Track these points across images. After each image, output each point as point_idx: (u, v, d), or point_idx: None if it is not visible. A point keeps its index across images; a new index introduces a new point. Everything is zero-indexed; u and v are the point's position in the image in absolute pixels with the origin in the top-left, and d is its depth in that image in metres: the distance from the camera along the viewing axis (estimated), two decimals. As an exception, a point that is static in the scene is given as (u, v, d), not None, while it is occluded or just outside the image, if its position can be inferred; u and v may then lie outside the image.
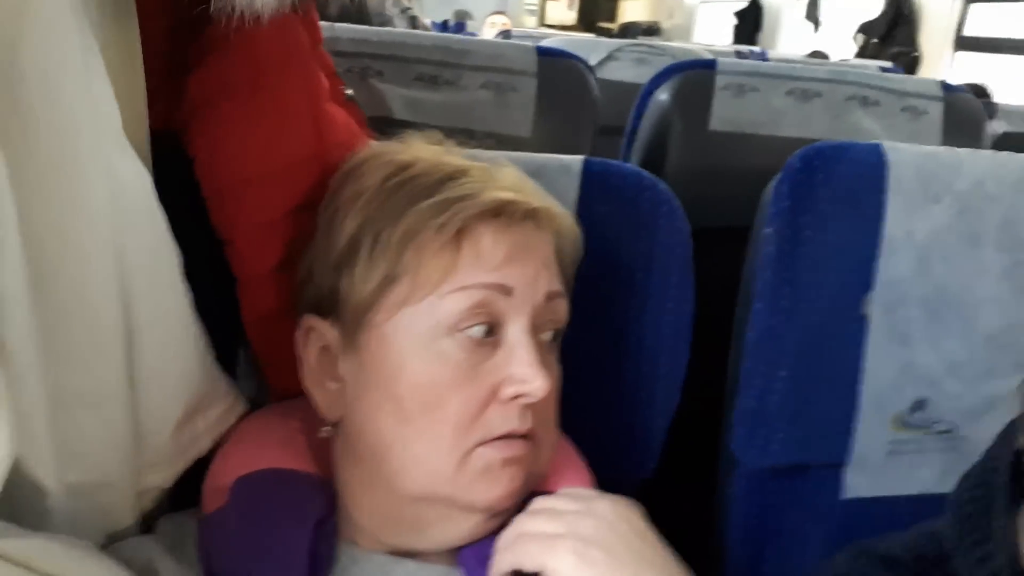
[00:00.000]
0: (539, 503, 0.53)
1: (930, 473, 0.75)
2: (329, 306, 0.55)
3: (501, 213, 0.54)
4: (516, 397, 0.52)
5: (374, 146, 0.61)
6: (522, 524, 0.52)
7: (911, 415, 0.73)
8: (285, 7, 0.50)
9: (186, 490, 0.59)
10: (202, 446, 0.59)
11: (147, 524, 0.57)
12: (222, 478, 0.57)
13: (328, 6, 0.65)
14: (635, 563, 0.48)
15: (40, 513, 0.49)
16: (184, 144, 0.59)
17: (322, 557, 0.53)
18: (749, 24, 6.36)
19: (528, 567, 0.50)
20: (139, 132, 0.52)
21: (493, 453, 0.52)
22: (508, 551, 0.51)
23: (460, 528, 0.54)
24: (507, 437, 0.52)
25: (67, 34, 0.43)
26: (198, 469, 0.58)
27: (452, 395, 0.51)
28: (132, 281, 0.49)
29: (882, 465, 0.73)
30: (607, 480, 0.60)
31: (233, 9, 0.47)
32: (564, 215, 0.60)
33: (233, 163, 0.59)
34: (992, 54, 3.89)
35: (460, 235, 0.53)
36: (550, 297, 0.55)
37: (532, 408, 0.53)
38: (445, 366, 0.52)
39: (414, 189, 0.54)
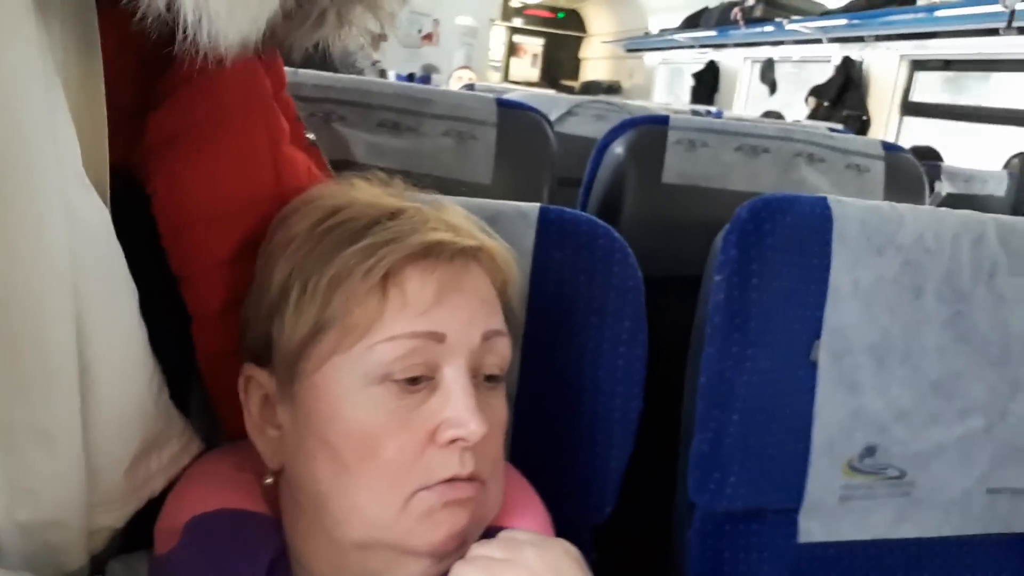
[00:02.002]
0: (475, 550, 0.52)
1: (882, 518, 0.76)
2: (265, 355, 0.55)
3: (430, 254, 0.53)
4: (454, 441, 0.51)
5: (313, 190, 0.60)
6: (457, 573, 0.51)
7: (861, 461, 0.75)
8: (249, 51, 0.51)
9: (137, 531, 0.58)
10: (155, 486, 0.58)
11: (98, 565, 0.56)
12: (174, 519, 0.56)
13: (292, 52, 0.66)
14: None
15: (-10, 552, 0.47)
16: (142, 181, 0.60)
17: None
18: (707, 85, 6.56)
19: None
20: (99, 169, 0.52)
21: (434, 497, 0.51)
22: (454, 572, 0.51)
23: (408, 573, 0.54)
24: (449, 481, 0.51)
25: (30, 70, 0.44)
26: (150, 510, 0.57)
27: (387, 442, 0.51)
28: (88, 317, 0.49)
29: (835, 510, 0.75)
30: (564, 523, 0.60)
31: (197, 51, 0.48)
32: (503, 251, 0.59)
33: (190, 201, 0.59)
34: (937, 119, 4.06)
35: (387, 280, 0.52)
36: (487, 337, 0.54)
37: (474, 450, 0.52)
38: (378, 414, 0.51)
39: (342, 234, 0.54)
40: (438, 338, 0.52)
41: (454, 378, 0.52)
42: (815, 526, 0.75)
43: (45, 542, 0.51)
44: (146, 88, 0.60)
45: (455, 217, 0.58)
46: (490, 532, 0.55)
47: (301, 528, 0.55)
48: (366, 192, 0.58)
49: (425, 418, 0.51)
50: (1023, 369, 0.76)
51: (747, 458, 0.72)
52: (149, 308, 0.55)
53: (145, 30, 0.46)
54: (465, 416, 0.51)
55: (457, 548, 0.53)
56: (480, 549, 0.52)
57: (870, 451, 0.75)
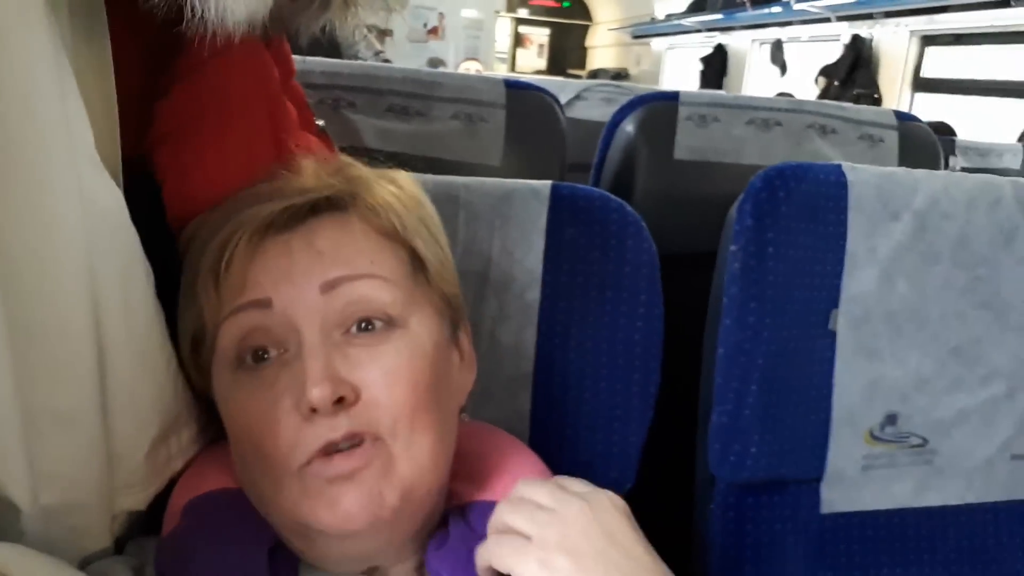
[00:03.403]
0: (523, 489, 0.52)
1: (905, 487, 0.76)
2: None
3: (255, 232, 0.52)
4: (313, 410, 0.48)
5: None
6: (501, 515, 0.51)
7: (883, 430, 0.74)
8: (256, 29, 0.51)
9: (159, 513, 0.58)
10: (175, 467, 0.58)
11: (121, 547, 0.57)
12: (177, 501, 0.56)
13: (299, 36, 0.67)
14: (602, 569, 0.48)
15: (14, 535, 0.48)
16: (152, 170, 0.60)
17: None
18: (715, 69, 6.52)
19: (499, 568, 0.50)
20: (112, 153, 0.52)
21: (316, 473, 0.49)
22: (485, 547, 0.51)
23: (357, 550, 0.52)
24: (328, 454, 0.49)
25: (42, 54, 0.44)
26: (171, 492, 0.58)
27: (265, 427, 0.49)
28: (104, 300, 0.49)
29: (857, 480, 0.74)
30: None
31: (205, 30, 0.48)
32: (386, 193, 0.55)
33: (198, 191, 0.59)
34: (949, 95, 4.02)
35: (219, 270, 0.52)
36: (328, 287, 0.51)
37: (363, 407, 0.49)
38: (250, 400, 0.50)
39: (207, 234, 0.54)
40: (263, 304, 0.50)
41: (296, 344, 0.50)
42: (837, 496, 0.74)
43: (69, 525, 0.51)
44: (153, 73, 0.60)
45: (314, 176, 0.56)
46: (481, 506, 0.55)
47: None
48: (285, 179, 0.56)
49: (283, 394, 0.49)
50: (1045, 333, 0.75)
51: (767, 429, 0.71)
52: (165, 293, 0.55)
53: (152, 12, 0.46)
54: (307, 384, 0.48)
55: (374, 518, 0.49)
56: (528, 490, 0.51)
57: (891, 420, 0.74)
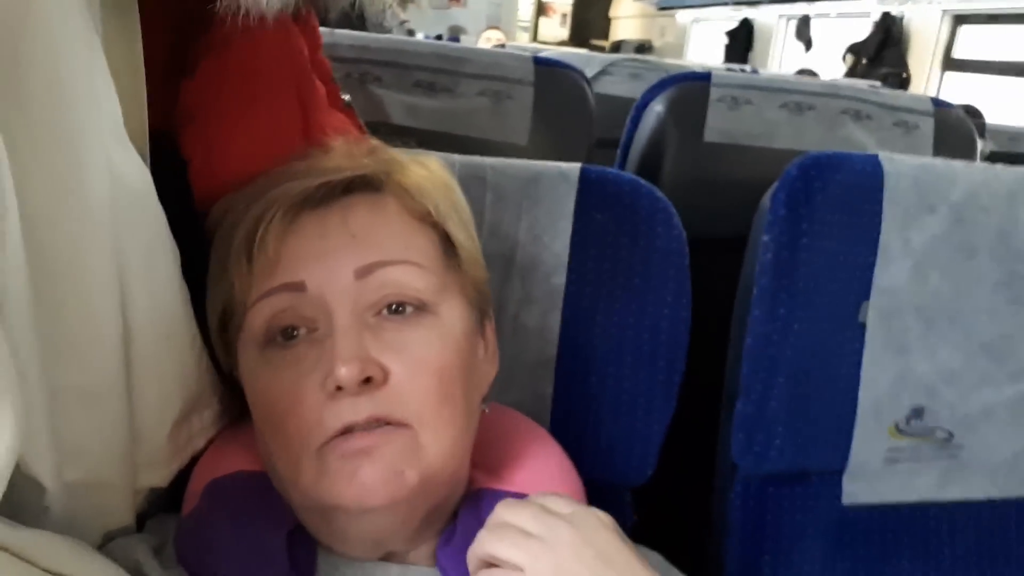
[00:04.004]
0: (504, 513, 0.50)
1: (928, 480, 0.75)
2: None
3: (290, 208, 0.51)
4: (338, 389, 0.48)
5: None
6: (486, 545, 0.49)
7: (908, 423, 0.74)
8: (289, 8, 0.50)
9: (180, 490, 0.58)
10: (197, 445, 0.58)
11: (142, 524, 0.57)
12: (197, 482, 0.57)
13: (328, 11, 0.66)
14: None
15: (38, 511, 0.48)
16: (180, 146, 0.59)
17: (302, 560, 0.52)
18: (740, 43, 6.42)
19: None
20: (139, 130, 0.52)
21: (335, 450, 0.49)
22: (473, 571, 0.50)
23: (374, 529, 0.52)
24: (348, 432, 0.49)
25: (70, 27, 0.43)
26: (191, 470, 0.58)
27: (289, 404, 0.49)
28: (130, 277, 0.49)
29: (880, 472, 0.74)
30: (605, 485, 0.60)
31: (239, 8, 0.47)
32: (421, 175, 0.55)
33: (224, 169, 0.58)
34: (981, 75, 3.94)
35: (251, 245, 0.51)
36: (363, 273, 0.50)
37: (389, 391, 0.49)
38: (272, 378, 0.50)
39: (237, 213, 0.54)
40: (297, 287, 0.50)
41: (328, 324, 0.50)
42: (859, 488, 0.74)
43: (92, 502, 0.51)
44: (181, 48, 0.59)
45: (346, 155, 0.55)
46: (492, 495, 0.54)
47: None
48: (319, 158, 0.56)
49: (310, 372, 0.49)
50: (1078, 330, 0.73)
51: (792, 420, 0.71)
52: (189, 273, 0.55)
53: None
54: (336, 362, 0.48)
55: (392, 494, 0.49)
56: (509, 515, 0.49)
57: (917, 413, 0.74)
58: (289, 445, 0.50)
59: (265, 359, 0.51)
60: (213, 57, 0.57)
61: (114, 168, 0.47)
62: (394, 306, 0.51)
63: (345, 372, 0.47)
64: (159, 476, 0.56)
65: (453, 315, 0.53)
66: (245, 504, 0.54)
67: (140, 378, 0.51)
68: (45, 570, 0.42)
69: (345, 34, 0.94)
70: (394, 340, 0.50)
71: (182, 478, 0.58)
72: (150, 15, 0.52)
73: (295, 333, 0.50)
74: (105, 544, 0.53)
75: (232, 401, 0.61)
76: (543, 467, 0.59)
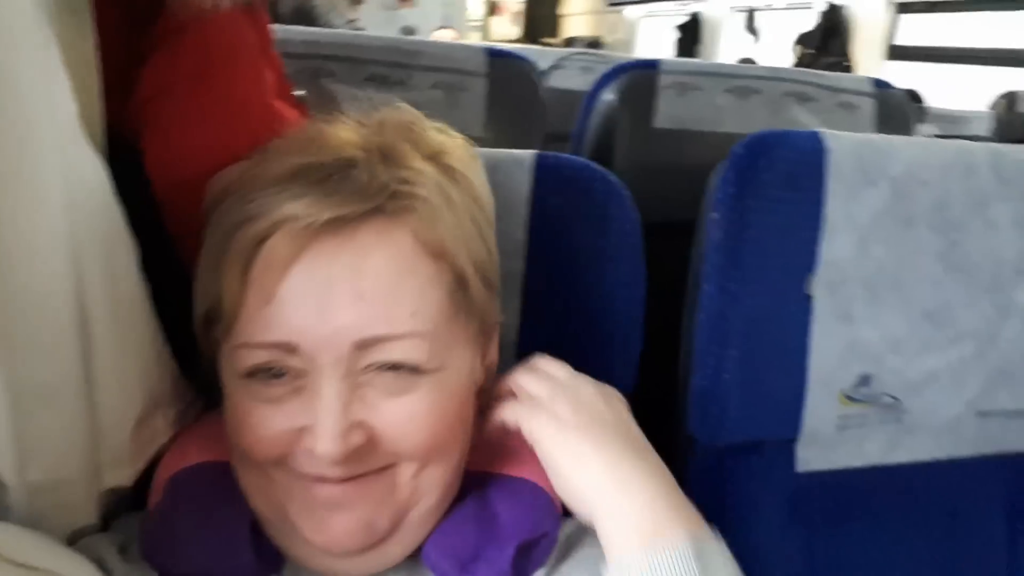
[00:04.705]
0: (541, 363, 0.56)
1: (877, 445, 0.78)
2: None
3: (297, 236, 0.46)
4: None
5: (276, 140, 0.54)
6: (517, 378, 0.55)
7: (857, 390, 0.76)
8: (240, 1, 0.51)
9: (147, 490, 0.58)
10: (161, 444, 0.58)
11: (108, 525, 0.57)
12: (161, 475, 0.56)
13: (279, 5, 0.66)
14: (611, 440, 0.51)
15: (2, 510, 0.48)
16: (134, 139, 0.59)
17: (267, 550, 0.52)
18: (690, 37, 6.49)
19: (510, 423, 0.53)
20: (94, 125, 0.52)
21: (304, 492, 0.48)
22: (500, 406, 0.54)
23: (340, 566, 0.51)
24: (320, 480, 0.48)
25: (23, 24, 0.43)
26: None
27: (263, 436, 0.48)
28: (88, 272, 0.49)
29: (832, 439, 0.76)
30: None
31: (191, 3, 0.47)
32: (438, 202, 0.50)
33: (183, 155, 0.58)
34: (922, 63, 4.04)
35: (247, 268, 0.47)
36: (363, 346, 0.47)
37: (373, 448, 0.48)
38: (255, 408, 0.48)
39: (235, 201, 0.49)
40: (288, 347, 0.47)
41: (315, 386, 0.47)
42: (812, 455, 0.76)
43: (55, 502, 0.51)
44: (133, 45, 0.59)
45: (357, 140, 0.50)
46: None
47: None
48: (328, 137, 0.52)
49: (291, 417, 0.48)
50: (1014, 294, 0.77)
51: (746, 392, 0.73)
52: (149, 270, 0.55)
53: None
54: (317, 438, 0.46)
55: (364, 543, 0.49)
56: (545, 363, 0.55)
57: (865, 380, 0.76)
58: (257, 470, 0.50)
59: (246, 387, 0.49)
60: (166, 48, 0.57)
61: (70, 164, 0.47)
62: (391, 365, 0.48)
63: (326, 452, 0.46)
64: (123, 475, 0.56)
65: (454, 367, 0.51)
66: (208, 496, 0.53)
67: (100, 376, 0.51)
68: (10, 561, 0.42)
69: (297, 30, 0.94)
70: (385, 400, 0.48)
71: (148, 478, 0.58)
72: (103, 11, 0.52)
73: (281, 375, 0.48)
74: (70, 544, 0.53)
75: (197, 398, 0.61)
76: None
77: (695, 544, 0.48)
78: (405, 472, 0.49)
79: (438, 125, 0.57)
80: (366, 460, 0.48)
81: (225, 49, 0.59)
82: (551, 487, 0.54)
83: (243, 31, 0.62)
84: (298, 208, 0.46)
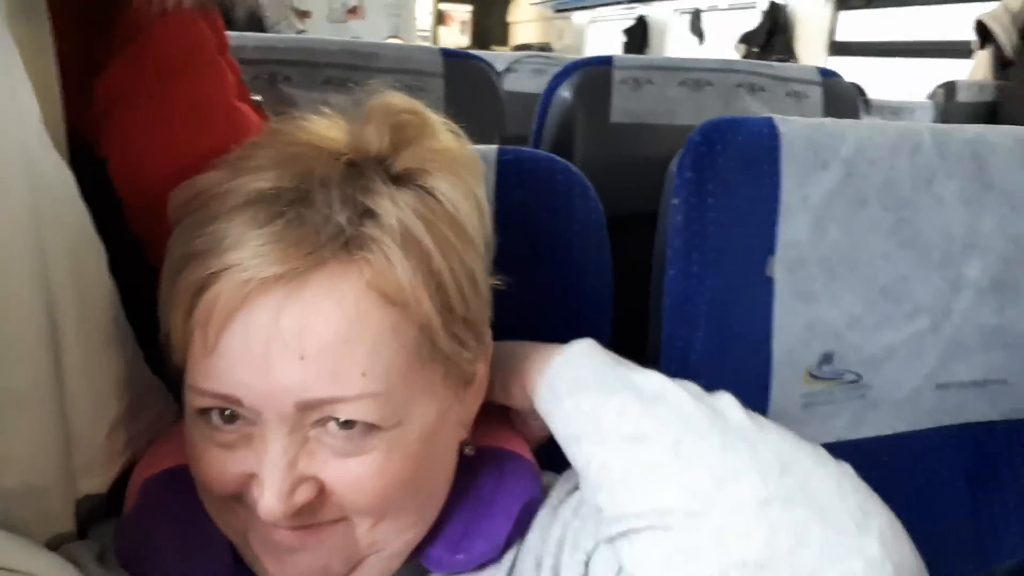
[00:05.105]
0: None
1: (842, 421, 0.80)
2: None
3: (244, 284, 0.43)
4: None
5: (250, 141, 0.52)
6: None
7: (820, 368, 0.78)
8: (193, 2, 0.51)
9: (123, 496, 0.58)
10: (136, 450, 0.58)
11: (86, 531, 0.56)
12: (136, 480, 0.56)
13: (234, 8, 0.66)
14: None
15: (-26, 518, 0.47)
16: (96, 147, 0.59)
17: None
18: (637, 40, 6.58)
19: None
20: (57, 130, 0.51)
21: (265, 532, 0.47)
22: None
23: None
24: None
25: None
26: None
27: (216, 476, 0.47)
28: (56, 277, 0.49)
29: (799, 417, 0.78)
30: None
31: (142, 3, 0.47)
32: (382, 237, 0.45)
33: (146, 160, 0.58)
34: (862, 57, 4.15)
35: (190, 312, 0.45)
36: (306, 407, 0.44)
37: (324, 502, 0.46)
38: (207, 448, 0.47)
39: (197, 219, 0.47)
40: (231, 400, 0.45)
41: (263, 436, 0.45)
42: (781, 434, 0.78)
43: (30, 509, 0.51)
44: (89, 52, 0.59)
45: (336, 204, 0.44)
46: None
47: None
48: (312, 136, 0.49)
49: (241, 463, 0.46)
50: (964, 268, 0.80)
51: (713, 374, 0.74)
52: (120, 274, 0.54)
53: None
54: (265, 493, 0.44)
55: None
56: None
57: (827, 358, 0.78)
58: (218, 500, 0.49)
59: (199, 426, 0.48)
60: (125, 53, 0.57)
61: (35, 168, 0.47)
62: (343, 422, 0.45)
63: (270, 509, 0.44)
64: (98, 481, 0.56)
65: (415, 419, 0.48)
66: (183, 499, 0.53)
67: (72, 381, 0.51)
68: None
69: (252, 36, 0.94)
70: (335, 458, 0.46)
71: (125, 485, 0.57)
72: (59, 19, 0.52)
73: (233, 418, 0.46)
74: (47, 551, 0.52)
75: (172, 403, 0.60)
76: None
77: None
78: (360, 526, 0.48)
79: (439, 121, 0.54)
80: (317, 513, 0.46)
81: (187, 50, 0.59)
82: (528, 452, 0.57)
83: (203, 32, 0.62)
84: (243, 255, 0.43)
